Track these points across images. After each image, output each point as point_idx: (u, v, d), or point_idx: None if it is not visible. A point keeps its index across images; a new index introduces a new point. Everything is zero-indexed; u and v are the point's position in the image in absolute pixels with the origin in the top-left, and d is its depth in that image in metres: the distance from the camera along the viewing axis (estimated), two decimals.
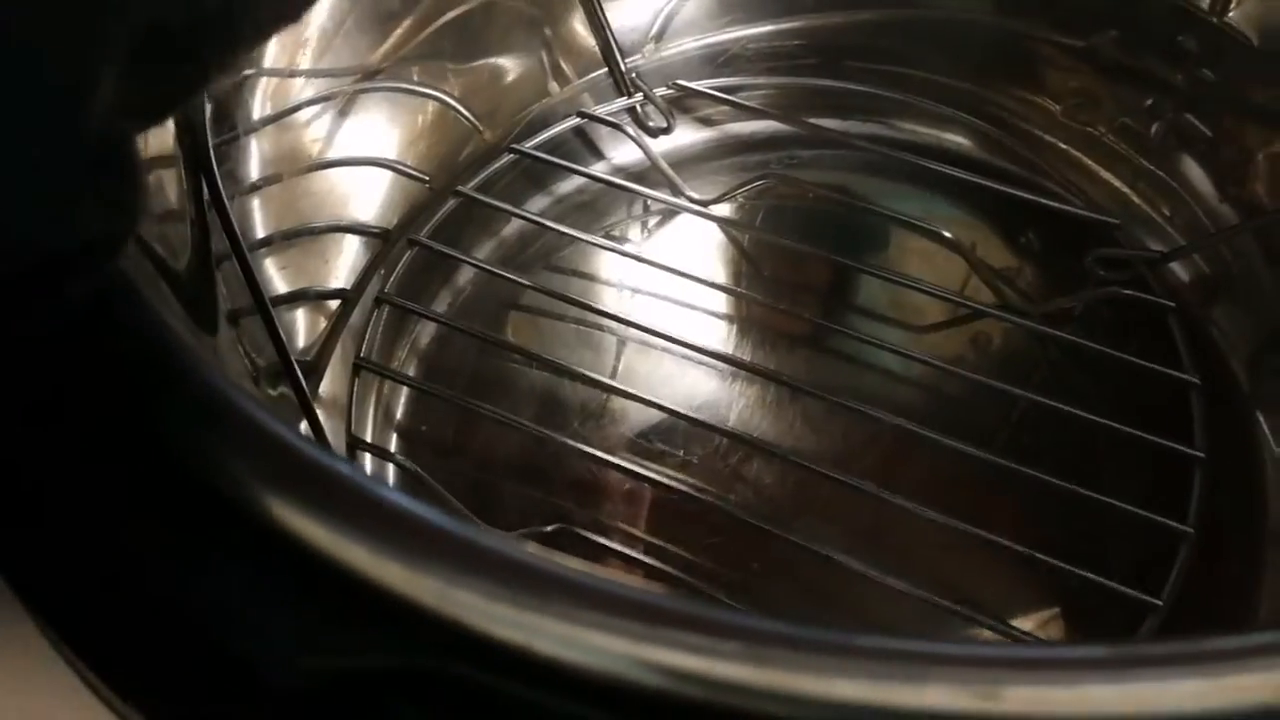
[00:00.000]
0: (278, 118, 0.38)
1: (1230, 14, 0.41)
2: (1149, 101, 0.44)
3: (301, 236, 0.39)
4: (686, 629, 0.15)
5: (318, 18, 0.39)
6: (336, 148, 0.41)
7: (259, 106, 0.37)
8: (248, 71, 0.36)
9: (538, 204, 0.46)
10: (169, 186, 0.30)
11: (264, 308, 0.34)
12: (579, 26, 0.47)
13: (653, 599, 0.15)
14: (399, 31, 0.42)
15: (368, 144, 0.43)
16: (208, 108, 0.32)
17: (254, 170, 0.37)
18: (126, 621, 0.18)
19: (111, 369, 0.18)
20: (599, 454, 0.38)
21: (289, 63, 0.38)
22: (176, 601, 0.18)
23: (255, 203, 0.37)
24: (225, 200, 0.32)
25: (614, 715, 0.15)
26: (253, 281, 0.33)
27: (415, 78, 0.43)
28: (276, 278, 0.38)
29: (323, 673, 0.17)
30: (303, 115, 0.39)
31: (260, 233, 0.37)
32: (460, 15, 0.44)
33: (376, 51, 0.42)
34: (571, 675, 0.15)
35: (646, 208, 0.47)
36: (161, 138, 0.30)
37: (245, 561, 0.17)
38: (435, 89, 0.44)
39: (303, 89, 0.39)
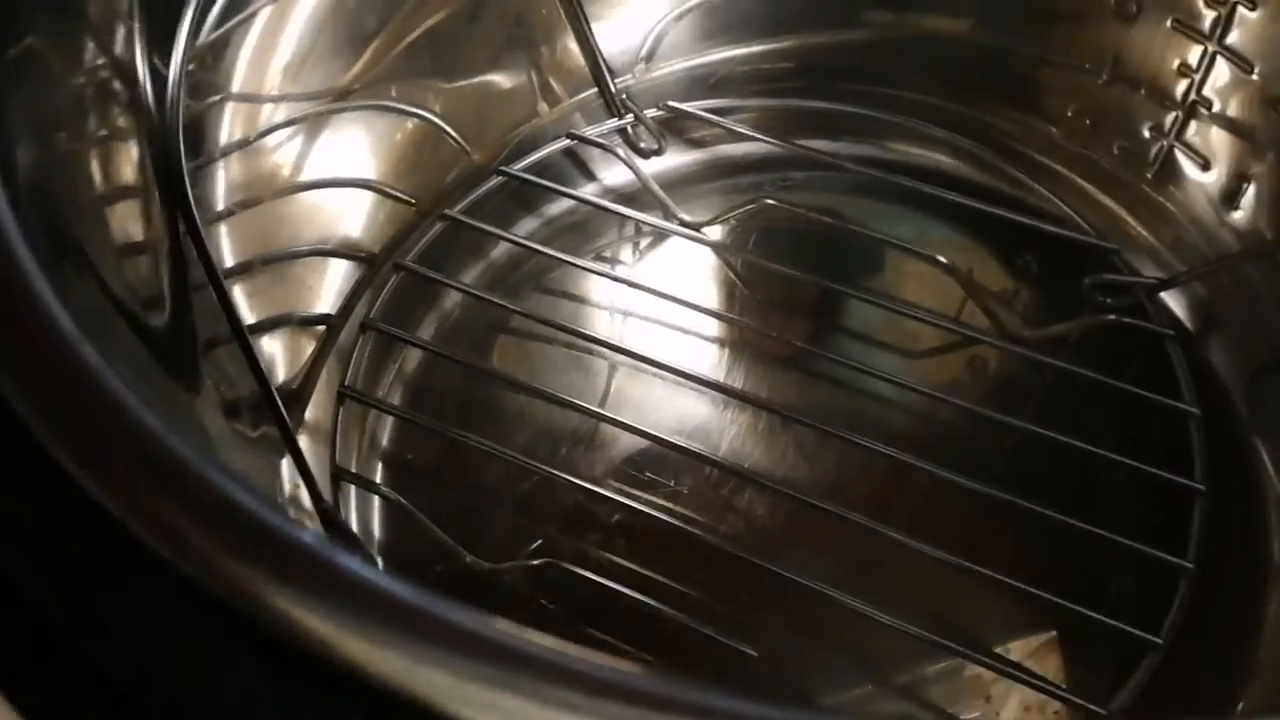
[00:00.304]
0: (252, 141, 0.37)
1: (1229, 38, 0.40)
2: (1147, 125, 0.43)
3: (283, 261, 0.39)
4: (665, 710, 0.14)
5: (290, 41, 0.39)
6: (318, 170, 0.41)
7: (232, 131, 0.37)
8: (217, 97, 0.36)
9: (527, 226, 0.46)
10: (135, 218, 0.29)
11: (243, 337, 0.33)
12: (569, 46, 0.46)
13: (628, 678, 0.14)
14: (373, 49, 0.41)
15: (350, 166, 0.42)
16: (181, 135, 0.31)
17: (230, 196, 0.36)
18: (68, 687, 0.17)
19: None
20: (587, 485, 0.38)
21: (261, 87, 0.37)
22: (132, 674, 0.17)
23: (232, 229, 0.36)
24: (201, 228, 0.32)
25: None
26: (230, 310, 0.32)
27: (393, 94, 0.43)
28: (256, 305, 0.38)
29: None
30: (278, 138, 0.39)
31: (239, 259, 0.37)
32: (438, 30, 0.43)
33: (351, 71, 0.41)
34: None
35: (638, 229, 0.46)
36: (128, 168, 0.29)
37: (208, 636, 0.16)
38: (416, 107, 0.43)
39: (276, 112, 0.38)
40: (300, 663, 0.15)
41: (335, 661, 0.15)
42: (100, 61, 0.28)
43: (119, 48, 0.28)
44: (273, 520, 0.16)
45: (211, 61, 0.35)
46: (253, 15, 0.37)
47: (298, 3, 0.39)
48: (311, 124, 0.40)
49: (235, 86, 0.37)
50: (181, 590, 0.16)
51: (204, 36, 0.34)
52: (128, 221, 0.28)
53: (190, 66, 0.32)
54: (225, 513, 0.16)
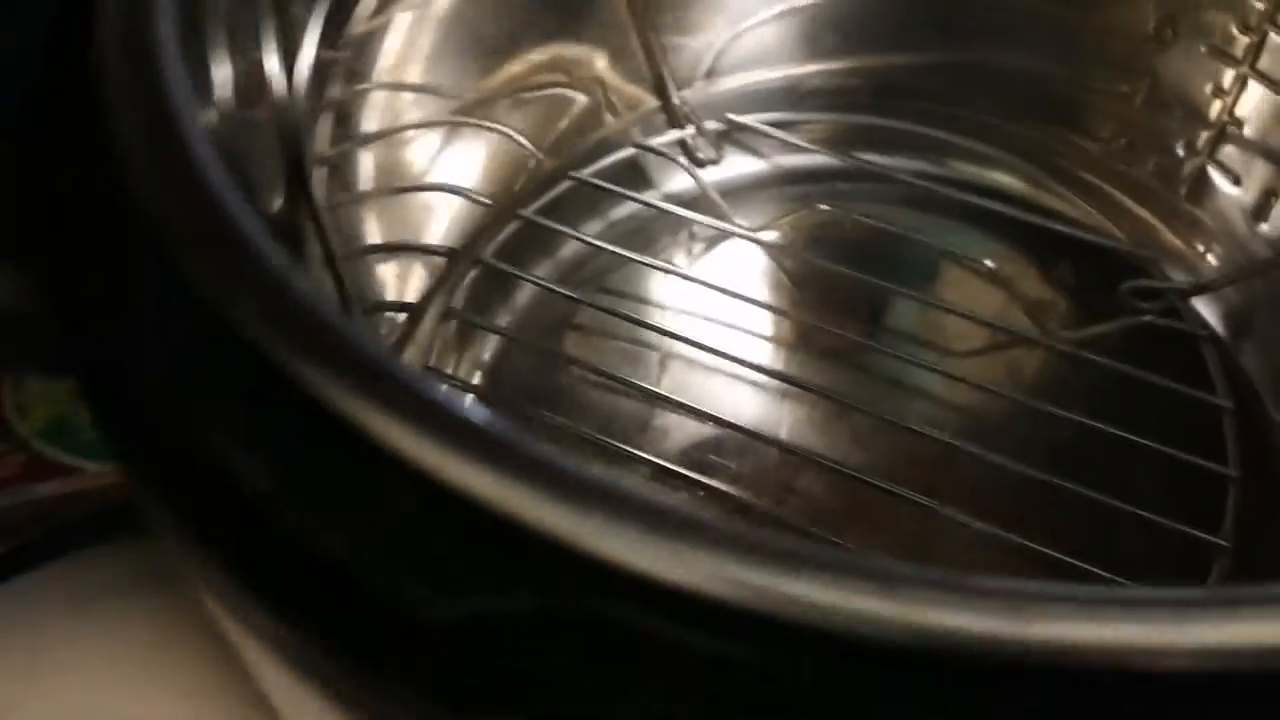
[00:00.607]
0: (381, 136, 0.40)
1: (1260, 62, 0.43)
2: (1181, 143, 0.46)
3: (380, 252, 0.42)
4: (824, 568, 0.17)
5: (424, 36, 0.42)
6: (417, 172, 0.44)
7: (351, 125, 0.39)
8: (361, 86, 0.38)
9: (590, 229, 0.48)
10: (278, 182, 0.32)
11: (351, 314, 0.36)
12: (635, 61, 0.49)
13: (798, 544, 0.17)
14: (492, 67, 0.45)
15: (443, 169, 0.45)
16: (323, 118, 0.34)
17: (349, 183, 0.39)
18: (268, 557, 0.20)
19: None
20: (656, 460, 0.40)
21: (398, 77, 0.40)
22: (327, 540, 0.19)
23: (341, 218, 0.39)
24: (319, 211, 0.34)
25: (758, 647, 0.17)
26: (344, 291, 0.35)
27: (497, 114, 0.46)
28: (352, 289, 0.40)
29: (473, 613, 0.18)
30: (403, 136, 0.42)
31: (343, 248, 0.39)
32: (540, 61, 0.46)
33: (473, 83, 0.44)
34: (732, 614, 0.16)
35: (692, 235, 0.49)
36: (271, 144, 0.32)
37: (397, 503, 0.19)
38: (507, 125, 0.46)
39: (407, 110, 0.41)
40: (490, 527, 0.18)
41: (529, 527, 0.18)
42: (260, 40, 0.30)
43: (274, 29, 0.31)
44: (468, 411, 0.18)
45: (359, 51, 0.38)
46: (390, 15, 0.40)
47: (430, 9, 0.42)
48: (438, 131, 0.44)
49: (373, 79, 0.40)
50: (375, 460, 0.18)
51: (353, 29, 0.37)
52: (277, 186, 0.31)
53: (346, 53, 0.35)
54: (419, 400, 0.19)
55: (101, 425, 0.23)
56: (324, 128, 0.37)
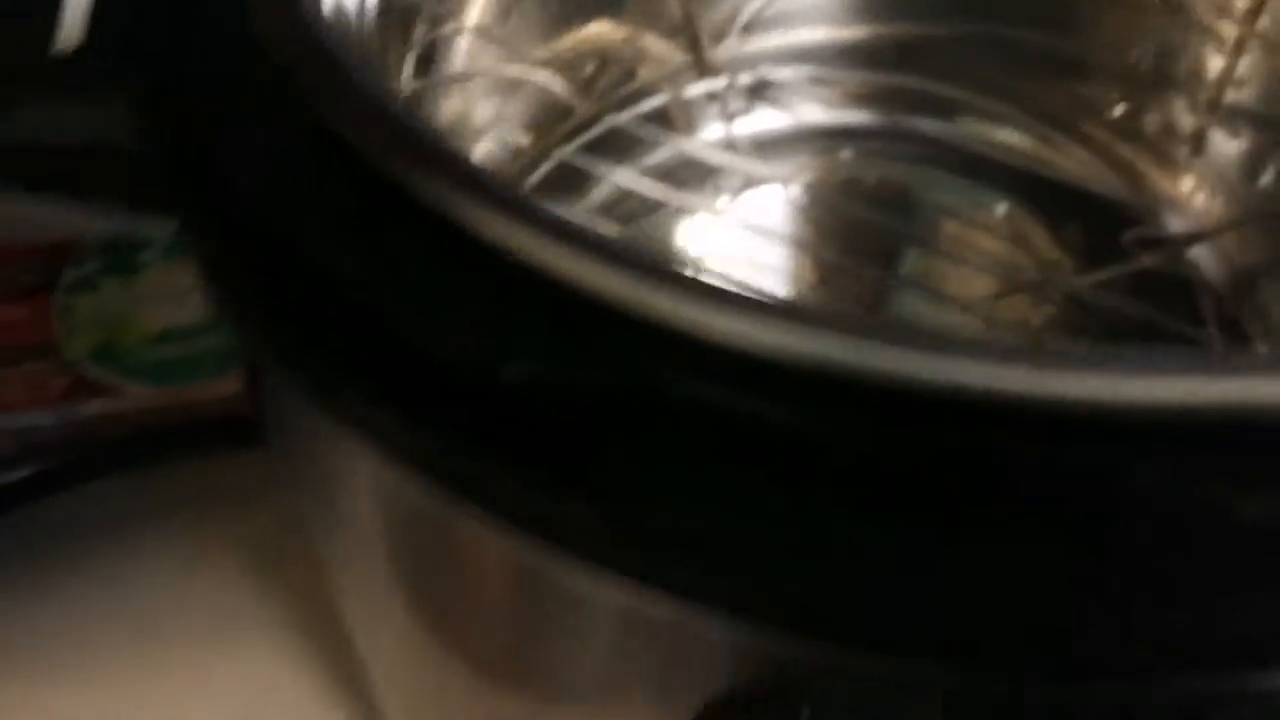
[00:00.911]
0: (453, 80, 0.43)
1: (1260, 23, 0.46)
2: (1184, 103, 0.49)
3: None
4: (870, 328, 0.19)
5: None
6: (478, 117, 0.47)
7: (442, 65, 0.43)
8: (448, 28, 0.42)
9: (620, 176, 0.51)
10: None
11: None
12: (671, 20, 0.52)
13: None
14: (550, 33, 0.48)
15: (496, 117, 0.48)
16: (406, 58, 0.37)
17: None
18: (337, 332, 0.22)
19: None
20: None
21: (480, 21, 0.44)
22: (391, 309, 0.22)
23: None
24: None
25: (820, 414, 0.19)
26: None
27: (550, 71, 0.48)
28: None
29: (543, 379, 0.21)
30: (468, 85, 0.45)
31: None
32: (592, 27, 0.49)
33: (536, 44, 0.47)
34: (786, 377, 0.19)
35: (718, 186, 0.51)
36: None
37: (479, 283, 0.21)
38: (553, 79, 0.49)
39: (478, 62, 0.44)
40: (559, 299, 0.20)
41: (605, 298, 0.20)
42: None
43: None
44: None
45: None
46: None
47: None
48: (492, 84, 0.47)
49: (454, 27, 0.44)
50: (436, 230, 0.21)
51: None
52: None
53: None
54: (506, 197, 0.21)
55: (200, 251, 0.25)
56: (407, 66, 0.40)
